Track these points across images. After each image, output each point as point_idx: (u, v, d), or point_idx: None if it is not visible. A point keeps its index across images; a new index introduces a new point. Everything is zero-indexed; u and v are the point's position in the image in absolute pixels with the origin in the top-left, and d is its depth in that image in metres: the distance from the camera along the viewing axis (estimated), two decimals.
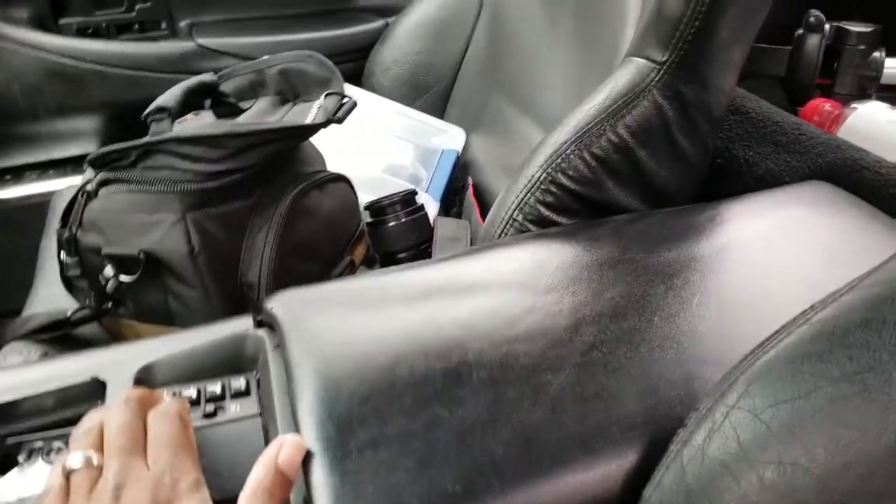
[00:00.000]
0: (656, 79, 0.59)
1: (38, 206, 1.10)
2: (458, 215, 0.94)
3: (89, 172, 0.69)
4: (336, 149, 0.82)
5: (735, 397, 0.37)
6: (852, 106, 0.71)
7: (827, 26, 0.76)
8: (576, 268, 0.53)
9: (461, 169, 0.99)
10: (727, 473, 0.34)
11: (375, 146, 0.95)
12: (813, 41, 0.75)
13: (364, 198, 0.84)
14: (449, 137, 0.99)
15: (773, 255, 0.53)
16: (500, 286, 0.51)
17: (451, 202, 0.97)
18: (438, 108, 1.07)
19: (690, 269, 0.51)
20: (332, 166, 0.83)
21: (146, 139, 0.64)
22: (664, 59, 0.58)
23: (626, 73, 0.61)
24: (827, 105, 0.74)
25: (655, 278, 0.51)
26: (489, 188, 0.93)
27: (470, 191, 0.90)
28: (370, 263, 0.86)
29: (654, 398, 0.43)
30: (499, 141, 0.95)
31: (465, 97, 1.04)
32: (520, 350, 0.46)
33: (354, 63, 1.15)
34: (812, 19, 0.76)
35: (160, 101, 0.69)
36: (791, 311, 0.38)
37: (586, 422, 0.42)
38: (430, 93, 1.06)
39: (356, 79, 1.14)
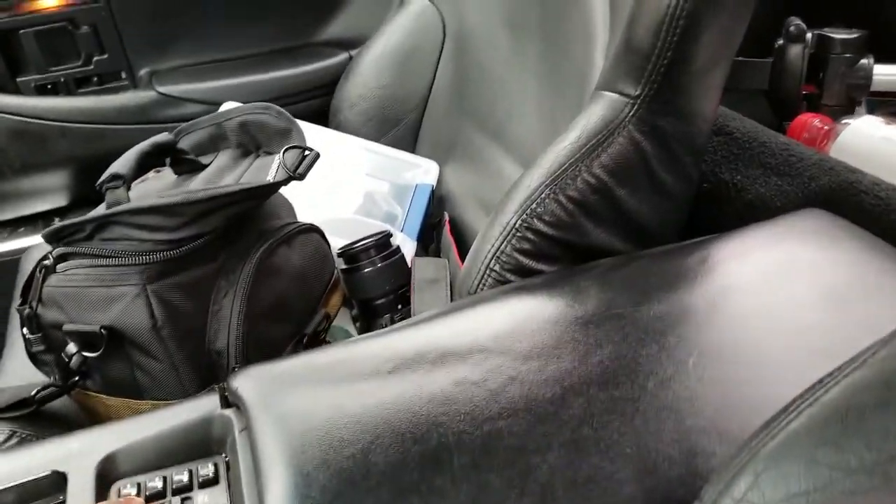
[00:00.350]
0: (631, 114, 0.56)
1: (11, 263, 1.09)
2: (437, 252, 0.92)
3: (46, 246, 0.67)
4: (306, 193, 0.79)
5: (743, 489, 0.33)
6: (844, 121, 0.68)
7: (809, 35, 0.73)
8: (559, 327, 0.49)
9: (436, 203, 0.97)
10: None
11: (346, 187, 0.92)
12: (795, 52, 0.73)
13: (337, 242, 0.82)
14: (422, 171, 0.96)
15: (773, 302, 0.49)
16: (479, 353, 0.48)
17: (429, 237, 0.94)
18: (409, 142, 1.05)
19: (684, 323, 0.48)
20: (303, 212, 0.80)
21: (100, 212, 0.62)
22: (637, 92, 0.55)
23: (598, 109, 0.58)
24: (816, 120, 0.71)
25: (646, 336, 0.47)
26: (466, 222, 0.90)
27: (446, 228, 0.87)
28: (349, 305, 0.83)
29: (653, 479, 0.39)
30: (472, 172, 0.93)
31: (435, 129, 1.02)
32: (503, 428, 0.43)
33: (320, 99, 1.14)
34: (793, 28, 0.73)
35: (114, 167, 0.66)
36: (799, 368, 0.35)
37: None
38: (400, 126, 1.04)
39: (323, 116, 1.12)
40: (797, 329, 0.47)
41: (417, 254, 0.91)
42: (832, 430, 0.32)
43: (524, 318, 0.51)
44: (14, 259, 1.08)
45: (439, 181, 0.98)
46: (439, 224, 0.93)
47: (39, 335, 0.66)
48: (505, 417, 0.43)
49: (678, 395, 0.43)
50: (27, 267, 1.01)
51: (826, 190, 0.61)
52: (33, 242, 1.11)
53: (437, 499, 0.40)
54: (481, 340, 0.49)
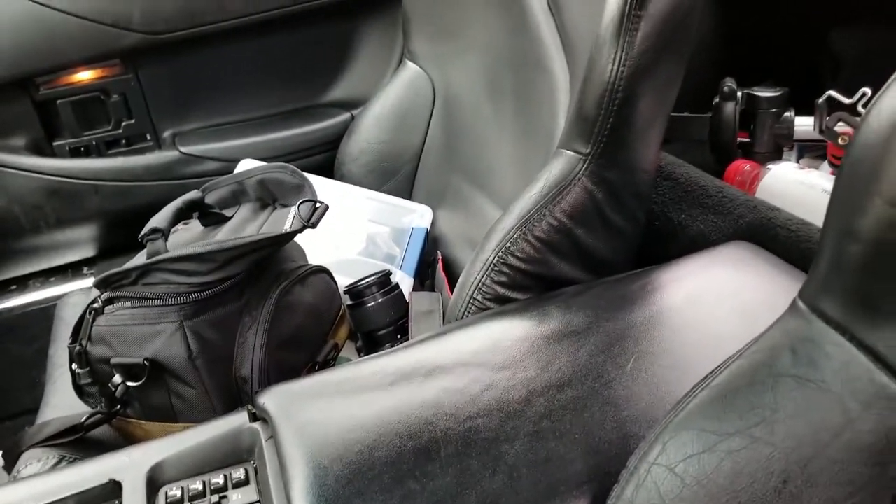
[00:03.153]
0: (583, 168, 0.67)
1: (43, 311, 1.19)
2: (432, 287, 1.02)
3: (95, 291, 0.76)
4: (316, 238, 0.89)
5: (655, 454, 0.44)
6: (767, 167, 0.80)
7: (740, 93, 0.85)
8: (527, 343, 0.60)
9: (431, 243, 1.07)
10: None
11: (351, 232, 1.03)
12: (728, 108, 0.84)
13: (343, 281, 0.91)
14: (418, 216, 1.07)
15: (697, 318, 0.60)
16: (462, 366, 0.58)
17: (425, 275, 1.04)
18: (406, 189, 1.16)
19: (626, 337, 0.59)
20: (314, 254, 0.90)
21: (144, 261, 0.71)
22: (588, 151, 0.67)
23: (558, 164, 0.69)
24: (747, 166, 0.82)
25: (596, 348, 0.58)
26: (456, 260, 1.01)
27: (439, 265, 0.98)
28: (354, 338, 0.93)
29: (596, 458, 0.50)
30: (461, 217, 1.04)
31: (429, 179, 1.13)
32: (480, 424, 0.53)
33: (326, 154, 1.25)
34: (726, 88, 0.85)
35: (153, 222, 0.76)
36: (709, 370, 0.45)
37: (539, 485, 0.49)
38: (398, 176, 1.15)
39: (329, 169, 1.23)
40: (715, 339, 0.58)
41: (415, 289, 1.00)
42: (716, 406, 0.43)
43: (499, 337, 0.62)
44: (47, 307, 1.17)
45: (433, 224, 1.09)
46: (434, 262, 1.03)
47: (87, 369, 0.75)
48: (482, 416, 0.54)
49: (618, 393, 0.54)
50: (64, 312, 1.10)
51: (751, 225, 0.72)
52: (65, 290, 1.20)
53: (429, 480, 0.49)
54: (464, 356, 0.60)
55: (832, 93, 0.69)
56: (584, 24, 0.73)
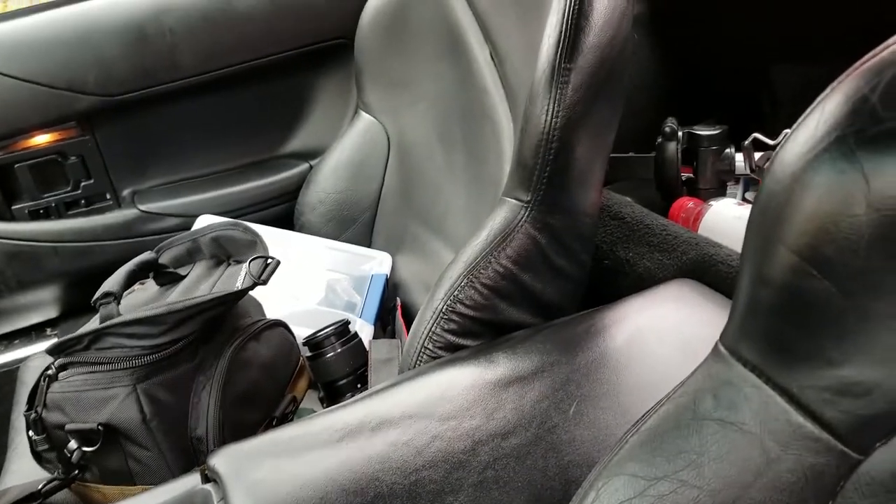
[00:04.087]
0: (526, 215, 0.69)
1: (8, 374, 1.17)
2: (393, 332, 1.02)
3: (48, 358, 0.77)
4: (275, 290, 0.90)
5: (590, 500, 0.45)
6: (709, 203, 0.82)
7: (681, 132, 0.88)
8: (474, 391, 0.61)
9: (392, 289, 1.08)
10: None
11: (311, 282, 1.04)
12: (671, 147, 0.86)
13: (304, 332, 0.91)
14: (377, 263, 1.08)
15: (639, 357, 0.61)
16: (409, 419, 0.59)
17: (386, 321, 1.05)
18: (365, 236, 1.17)
19: (570, 381, 0.60)
20: (273, 307, 0.91)
21: (96, 327, 0.71)
22: (528, 198, 0.68)
23: (502, 212, 0.70)
24: (690, 203, 0.84)
25: (540, 394, 0.59)
26: (415, 305, 1.02)
27: (398, 311, 0.99)
28: (315, 388, 0.93)
29: None
30: (419, 262, 1.05)
31: (387, 225, 1.15)
32: (426, 477, 0.54)
33: (286, 205, 1.26)
34: (667, 128, 0.87)
35: (106, 286, 0.77)
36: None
37: None
38: (356, 224, 1.16)
39: (288, 219, 1.24)
40: (656, 378, 0.59)
41: (376, 335, 1.01)
42: (645, 450, 0.43)
43: (447, 386, 0.62)
44: (12, 370, 1.15)
45: (393, 270, 1.10)
46: (394, 308, 1.04)
47: (44, 436, 0.74)
48: (427, 468, 0.54)
49: (561, 438, 0.55)
50: (26, 376, 1.10)
51: (694, 262, 0.74)
52: (28, 353, 1.18)
53: None
54: (411, 408, 0.60)
55: (757, 135, 0.71)
56: (523, 75, 0.76)
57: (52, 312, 1.25)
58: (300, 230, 1.19)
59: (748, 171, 0.74)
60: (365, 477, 0.54)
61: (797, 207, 0.37)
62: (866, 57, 0.34)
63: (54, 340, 1.20)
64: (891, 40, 0.33)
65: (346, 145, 1.17)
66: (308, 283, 1.03)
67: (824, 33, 0.89)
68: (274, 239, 0.91)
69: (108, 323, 0.71)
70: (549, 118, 0.65)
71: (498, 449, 0.55)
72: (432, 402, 0.61)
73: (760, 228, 0.40)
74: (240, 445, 0.60)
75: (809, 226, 0.36)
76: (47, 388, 0.74)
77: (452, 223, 0.97)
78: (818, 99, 0.37)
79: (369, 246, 1.16)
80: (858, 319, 0.35)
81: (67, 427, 0.72)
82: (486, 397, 0.60)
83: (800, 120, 0.38)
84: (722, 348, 0.44)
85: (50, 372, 0.75)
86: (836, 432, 0.36)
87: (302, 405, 0.89)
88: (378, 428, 0.59)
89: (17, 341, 1.24)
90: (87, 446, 0.72)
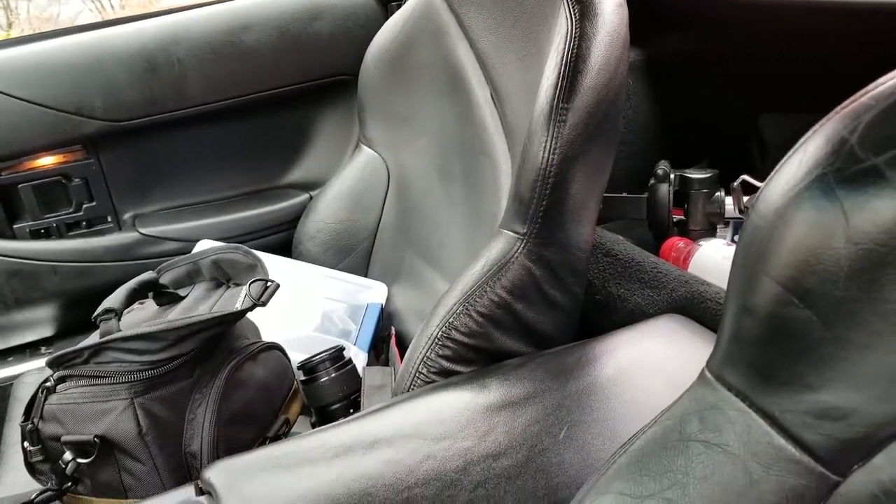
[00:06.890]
0: (521, 247, 0.71)
1: (1, 389, 1.17)
2: (387, 361, 1.04)
3: (48, 370, 0.78)
4: (272, 315, 0.92)
5: None
6: (699, 243, 0.85)
7: (673, 175, 0.91)
8: (467, 414, 0.62)
9: (386, 318, 1.10)
10: None
11: (307, 309, 1.05)
12: (663, 189, 0.90)
13: (298, 356, 0.92)
14: (373, 293, 1.10)
15: (628, 387, 0.63)
16: (403, 438, 0.60)
17: (380, 349, 1.07)
18: (362, 266, 1.19)
19: (560, 407, 0.62)
20: (270, 331, 0.92)
21: (97, 341, 0.73)
22: (524, 231, 0.71)
23: (498, 244, 0.73)
24: (681, 243, 0.87)
25: (531, 418, 0.61)
26: (409, 334, 1.03)
27: (392, 340, 1.00)
28: (308, 413, 0.94)
29: None
30: (414, 292, 1.07)
31: (384, 256, 1.17)
32: (418, 494, 0.55)
33: (285, 233, 1.28)
34: (660, 171, 0.90)
35: (107, 303, 0.78)
36: None
37: None
38: (354, 254, 1.18)
39: (287, 247, 1.25)
40: (643, 407, 0.61)
41: (370, 363, 1.02)
42: (633, 470, 0.45)
43: (440, 409, 0.64)
44: (5, 386, 1.15)
45: (388, 299, 1.12)
46: (388, 336, 1.06)
47: (39, 447, 0.75)
48: (420, 486, 0.55)
49: (550, 461, 0.56)
50: (19, 392, 1.10)
51: (683, 298, 0.76)
52: (22, 370, 1.18)
53: None
54: (405, 428, 0.62)
55: (745, 177, 0.75)
56: (522, 114, 0.79)
57: (48, 331, 1.26)
58: (298, 258, 1.20)
59: (737, 213, 0.77)
60: (358, 493, 0.55)
61: (781, 241, 0.39)
62: (846, 102, 0.37)
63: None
64: (868, 87, 0.36)
65: (347, 177, 1.19)
66: (304, 309, 1.05)
67: (810, 91, 0.93)
68: (272, 266, 0.93)
69: (108, 337, 0.73)
70: (546, 154, 0.68)
71: (489, 469, 0.56)
72: (426, 424, 0.62)
73: (746, 261, 0.42)
74: (234, 459, 0.61)
75: (792, 258, 0.38)
76: (45, 399, 0.75)
77: (449, 255, 1.00)
78: (801, 140, 0.39)
79: (366, 275, 1.18)
80: (837, 347, 0.37)
81: (63, 438, 0.73)
82: (479, 420, 0.61)
83: (783, 160, 0.41)
84: (708, 374, 0.46)
85: (48, 384, 0.76)
86: (815, 454, 0.38)
87: (294, 430, 0.89)
88: (372, 446, 0.60)
89: (10, 358, 1.24)
90: (83, 458, 0.73)
